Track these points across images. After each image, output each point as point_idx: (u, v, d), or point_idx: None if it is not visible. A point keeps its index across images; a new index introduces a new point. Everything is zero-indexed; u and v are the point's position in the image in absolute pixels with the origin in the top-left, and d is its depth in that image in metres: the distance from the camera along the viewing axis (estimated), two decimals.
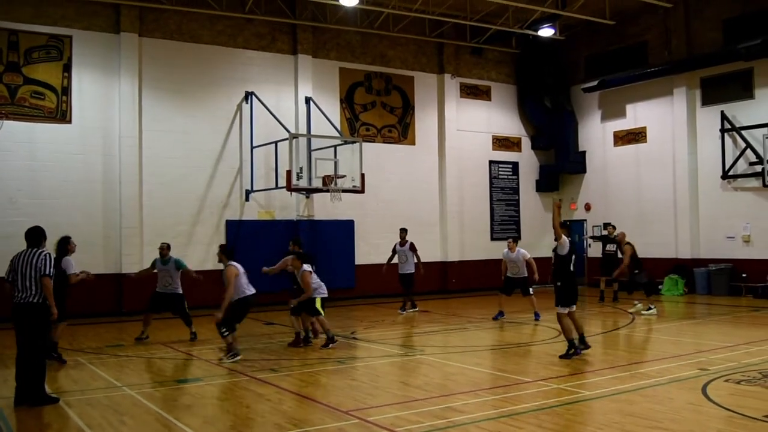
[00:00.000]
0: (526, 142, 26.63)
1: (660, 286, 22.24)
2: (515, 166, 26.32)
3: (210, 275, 16.14)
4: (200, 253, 19.60)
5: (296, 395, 9.06)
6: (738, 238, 21.35)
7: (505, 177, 26.08)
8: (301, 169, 19.12)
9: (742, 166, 21.28)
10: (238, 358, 11.61)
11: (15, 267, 8.78)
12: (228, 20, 20.80)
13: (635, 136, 24.28)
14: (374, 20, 22.57)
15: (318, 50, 22.29)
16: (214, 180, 20.42)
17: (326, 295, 13.10)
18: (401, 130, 23.82)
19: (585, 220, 25.97)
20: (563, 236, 11.46)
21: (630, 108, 24.47)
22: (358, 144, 19.61)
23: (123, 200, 19.00)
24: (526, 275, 16.32)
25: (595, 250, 23.81)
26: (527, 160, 26.62)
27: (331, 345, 12.72)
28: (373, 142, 22.87)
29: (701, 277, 21.68)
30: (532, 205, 26.60)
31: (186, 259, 15.57)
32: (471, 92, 25.40)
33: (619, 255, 18.46)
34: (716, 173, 21.77)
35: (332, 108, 22.25)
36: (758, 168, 20.61)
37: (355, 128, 22.81)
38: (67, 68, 18.66)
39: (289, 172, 18.44)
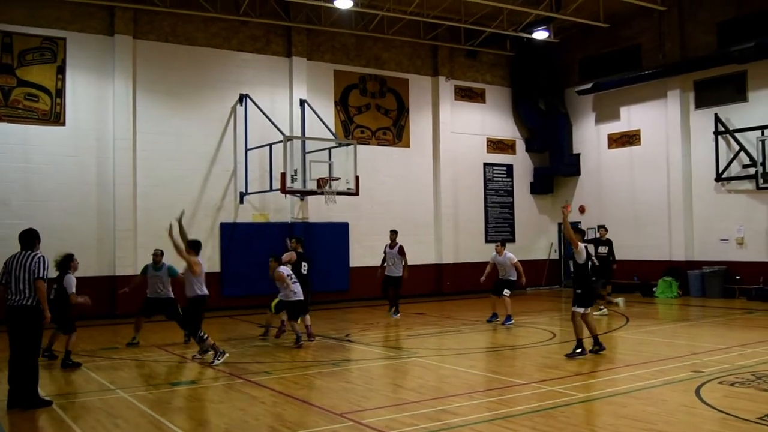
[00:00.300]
0: (520, 145, 26.68)
1: (654, 289, 22.31)
2: (509, 168, 26.35)
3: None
4: None
5: (290, 398, 9.05)
6: (732, 240, 21.40)
7: (500, 179, 26.11)
8: (295, 171, 19.10)
9: (735, 169, 21.34)
10: (227, 355, 11.67)
11: (8, 269, 8.74)
12: (222, 22, 20.80)
13: (629, 138, 24.33)
14: (369, 23, 22.58)
15: (312, 52, 22.29)
16: (208, 182, 20.39)
17: (291, 300, 13.29)
18: (396, 133, 23.83)
19: (579, 222, 25.96)
20: (579, 243, 11.69)
21: (624, 110, 24.53)
22: (352, 146, 19.60)
23: (117, 202, 18.95)
24: (511, 278, 16.32)
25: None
26: (521, 163, 26.66)
27: (261, 336, 13.92)
28: (368, 144, 22.87)
29: (695, 280, 21.71)
30: (526, 208, 26.64)
31: (180, 261, 15.48)
32: (465, 95, 25.43)
33: (611, 257, 18.57)
34: (710, 176, 21.83)
35: (327, 110, 22.25)
36: (752, 170, 20.67)
37: (349, 130, 22.81)
38: (61, 70, 18.63)
39: (283, 175, 18.42)
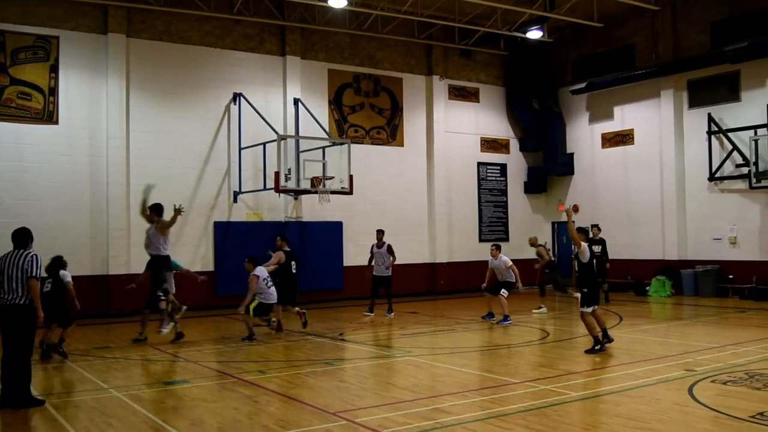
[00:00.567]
0: (514, 144, 26.70)
1: (647, 288, 22.37)
2: (503, 167, 26.38)
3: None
4: (188, 255, 19.51)
5: (284, 397, 9.04)
6: (725, 239, 21.45)
7: (494, 179, 26.13)
8: (289, 170, 19.07)
9: (728, 168, 21.40)
10: (173, 324, 12.81)
11: (1, 268, 8.71)
12: (216, 21, 20.75)
13: (623, 138, 24.38)
14: (363, 22, 22.57)
15: (306, 51, 22.27)
16: (201, 181, 20.35)
17: (268, 302, 14.08)
18: (390, 132, 23.83)
19: (573, 222, 25.97)
20: (582, 243, 12.06)
21: (618, 110, 24.58)
22: (346, 145, 19.60)
23: (110, 201, 18.89)
24: (510, 280, 16.35)
25: None
26: (515, 162, 26.69)
27: (248, 340, 13.73)
28: (362, 143, 22.87)
29: (688, 279, 21.76)
30: (520, 207, 26.67)
31: (173, 260, 15.47)
32: (459, 94, 25.44)
33: (605, 257, 18.73)
34: (703, 175, 21.88)
35: (321, 109, 22.24)
36: (745, 170, 20.72)
37: (343, 130, 22.80)
38: (54, 69, 18.56)
39: (277, 174, 18.41)
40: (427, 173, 24.46)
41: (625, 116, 24.35)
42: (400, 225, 23.09)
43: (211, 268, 20.01)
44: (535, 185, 26.83)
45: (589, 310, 11.92)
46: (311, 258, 20.57)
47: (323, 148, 19.79)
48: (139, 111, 19.56)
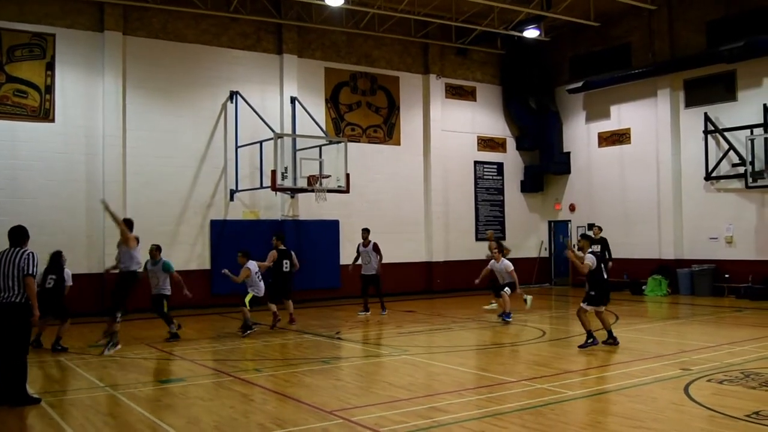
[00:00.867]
0: (511, 143, 26.71)
1: (644, 287, 22.40)
2: (500, 166, 26.38)
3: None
4: (184, 253, 19.53)
5: (280, 395, 9.03)
6: (721, 238, 21.49)
7: (490, 177, 26.14)
8: (286, 168, 19.04)
9: (725, 168, 21.43)
10: (118, 347, 12.31)
11: None
12: (213, 19, 20.72)
13: (619, 137, 24.40)
14: (360, 20, 22.56)
15: (303, 50, 22.25)
16: (198, 180, 20.32)
17: (260, 296, 14.63)
18: (386, 131, 23.82)
19: (570, 220, 26.07)
20: (585, 260, 12.15)
21: (614, 109, 24.60)
22: (343, 144, 19.59)
23: (106, 199, 18.77)
24: (509, 282, 16.28)
25: None
26: (512, 161, 26.70)
27: (246, 332, 14.04)
28: (359, 142, 22.86)
29: (684, 278, 21.80)
30: (516, 206, 26.68)
31: (170, 259, 15.43)
32: (456, 93, 25.44)
33: (608, 255, 18.70)
34: (699, 174, 21.91)
35: (317, 108, 22.22)
36: (741, 169, 20.76)
37: (340, 128, 22.78)
38: (51, 67, 18.52)
39: (273, 172, 18.39)
40: (423, 172, 24.46)
41: (622, 115, 24.37)
42: (397, 224, 23.11)
43: (207, 266, 19.99)
44: (532, 184, 26.84)
45: (589, 309, 12.04)
46: (308, 256, 20.50)
47: (320, 146, 19.78)
48: (136, 109, 19.52)
